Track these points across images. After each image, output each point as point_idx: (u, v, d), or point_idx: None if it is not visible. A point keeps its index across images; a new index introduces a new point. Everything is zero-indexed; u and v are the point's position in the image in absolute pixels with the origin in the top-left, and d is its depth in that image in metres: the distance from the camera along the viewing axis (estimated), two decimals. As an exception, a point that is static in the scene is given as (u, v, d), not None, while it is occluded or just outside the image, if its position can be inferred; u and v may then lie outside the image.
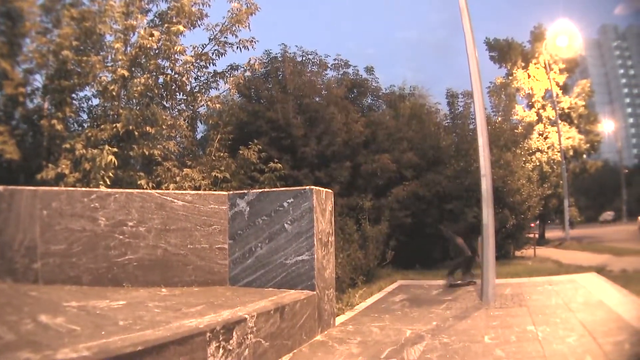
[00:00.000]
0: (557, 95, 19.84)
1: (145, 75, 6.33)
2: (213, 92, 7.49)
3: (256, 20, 7.32)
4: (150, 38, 6.22)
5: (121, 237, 4.04)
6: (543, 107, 19.99)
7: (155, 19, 7.08)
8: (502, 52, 20.58)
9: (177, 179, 6.29)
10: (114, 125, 6.02)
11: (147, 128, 6.21)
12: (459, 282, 6.47)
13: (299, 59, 10.38)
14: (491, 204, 5.28)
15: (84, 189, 4.64)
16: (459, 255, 7.00)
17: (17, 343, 2.14)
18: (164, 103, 6.95)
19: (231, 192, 4.58)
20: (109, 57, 6.57)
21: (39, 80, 6.75)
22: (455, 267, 6.78)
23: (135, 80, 6.21)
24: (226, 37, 7.24)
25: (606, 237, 18.04)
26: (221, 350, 2.60)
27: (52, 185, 5.41)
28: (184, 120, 7.27)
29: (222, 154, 7.20)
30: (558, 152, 18.44)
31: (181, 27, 6.47)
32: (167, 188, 6.01)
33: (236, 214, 4.33)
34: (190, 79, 7.05)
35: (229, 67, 7.73)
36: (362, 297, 5.80)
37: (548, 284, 6.11)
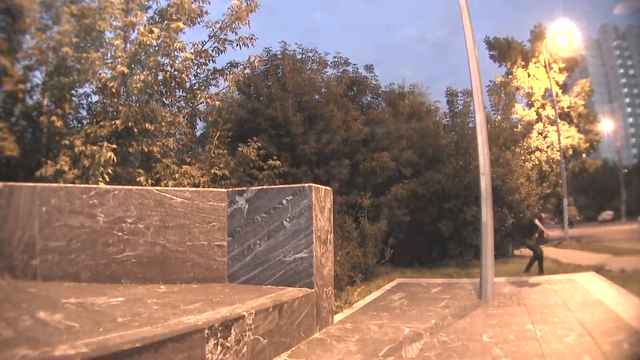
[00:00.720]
0: (557, 94, 19.78)
1: (144, 72, 6.32)
2: (212, 90, 7.50)
3: (256, 18, 7.33)
4: (149, 35, 6.21)
5: (120, 233, 4.05)
6: (542, 106, 19.93)
7: (155, 16, 7.08)
8: (502, 51, 20.51)
9: (176, 175, 6.29)
10: (113, 122, 6.02)
11: (147, 125, 6.21)
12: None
13: (299, 56, 10.39)
14: (490, 203, 5.29)
15: (83, 185, 4.65)
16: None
17: (15, 339, 2.14)
18: (164, 100, 6.93)
19: (230, 189, 4.58)
20: (109, 54, 6.55)
21: (38, 77, 6.75)
22: (531, 263, 7.63)
23: (135, 77, 6.21)
24: (226, 35, 7.25)
25: (605, 236, 18.01)
26: (219, 348, 2.61)
27: (51, 181, 5.39)
28: (183, 117, 7.27)
29: (221, 151, 7.18)
30: (557, 151, 18.39)
31: (181, 24, 6.45)
32: (166, 185, 6.00)
33: (235, 211, 4.33)
34: (189, 76, 7.05)
35: (229, 65, 7.75)
36: (361, 295, 5.81)
37: (547, 283, 6.13)
